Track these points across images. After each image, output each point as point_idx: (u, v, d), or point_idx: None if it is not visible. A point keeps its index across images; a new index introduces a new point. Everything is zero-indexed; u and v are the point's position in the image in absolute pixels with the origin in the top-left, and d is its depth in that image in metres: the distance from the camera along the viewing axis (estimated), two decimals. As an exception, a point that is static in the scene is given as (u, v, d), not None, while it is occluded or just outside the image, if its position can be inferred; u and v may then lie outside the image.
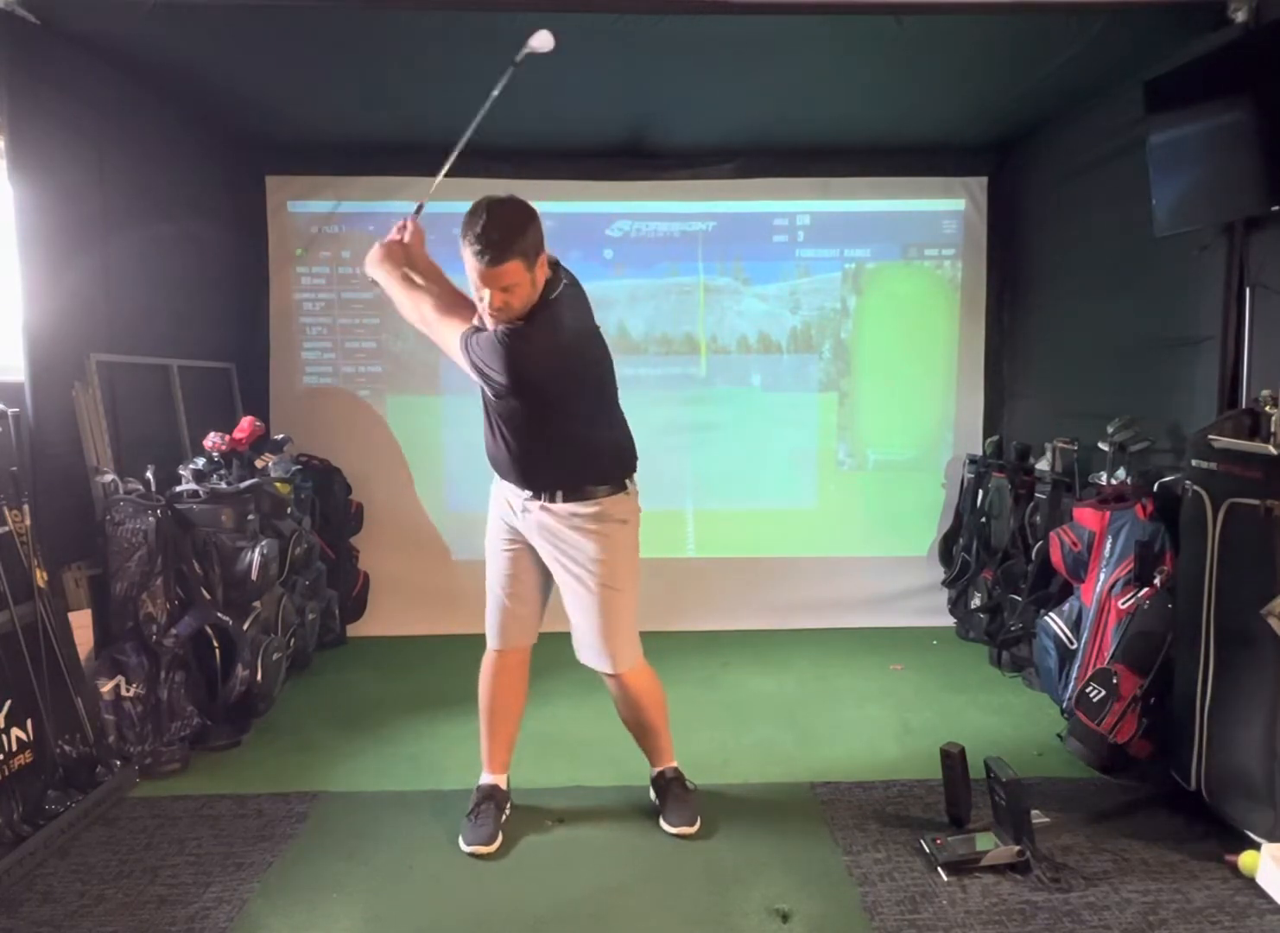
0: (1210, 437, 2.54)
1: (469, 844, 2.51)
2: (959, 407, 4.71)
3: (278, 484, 3.60)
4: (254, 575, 3.19)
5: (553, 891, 2.32)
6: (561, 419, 2.38)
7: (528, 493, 2.47)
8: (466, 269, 2.20)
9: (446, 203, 4.57)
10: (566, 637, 2.59)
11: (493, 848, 2.51)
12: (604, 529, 2.46)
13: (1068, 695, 3.07)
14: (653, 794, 2.72)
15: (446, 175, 4.49)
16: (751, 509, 4.64)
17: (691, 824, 2.57)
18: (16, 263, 2.88)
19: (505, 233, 2.12)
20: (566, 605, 2.54)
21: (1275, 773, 2.31)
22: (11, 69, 2.83)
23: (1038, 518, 3.70)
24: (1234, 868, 2.34)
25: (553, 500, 2.45)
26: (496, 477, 2.59)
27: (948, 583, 4.45)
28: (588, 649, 2.54)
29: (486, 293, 2.18)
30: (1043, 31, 3.02)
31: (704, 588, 4.30)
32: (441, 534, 4.62)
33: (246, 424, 3.55)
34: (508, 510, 2.55)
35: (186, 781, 2.93)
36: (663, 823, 2.60)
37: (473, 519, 4.60)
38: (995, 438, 4.42)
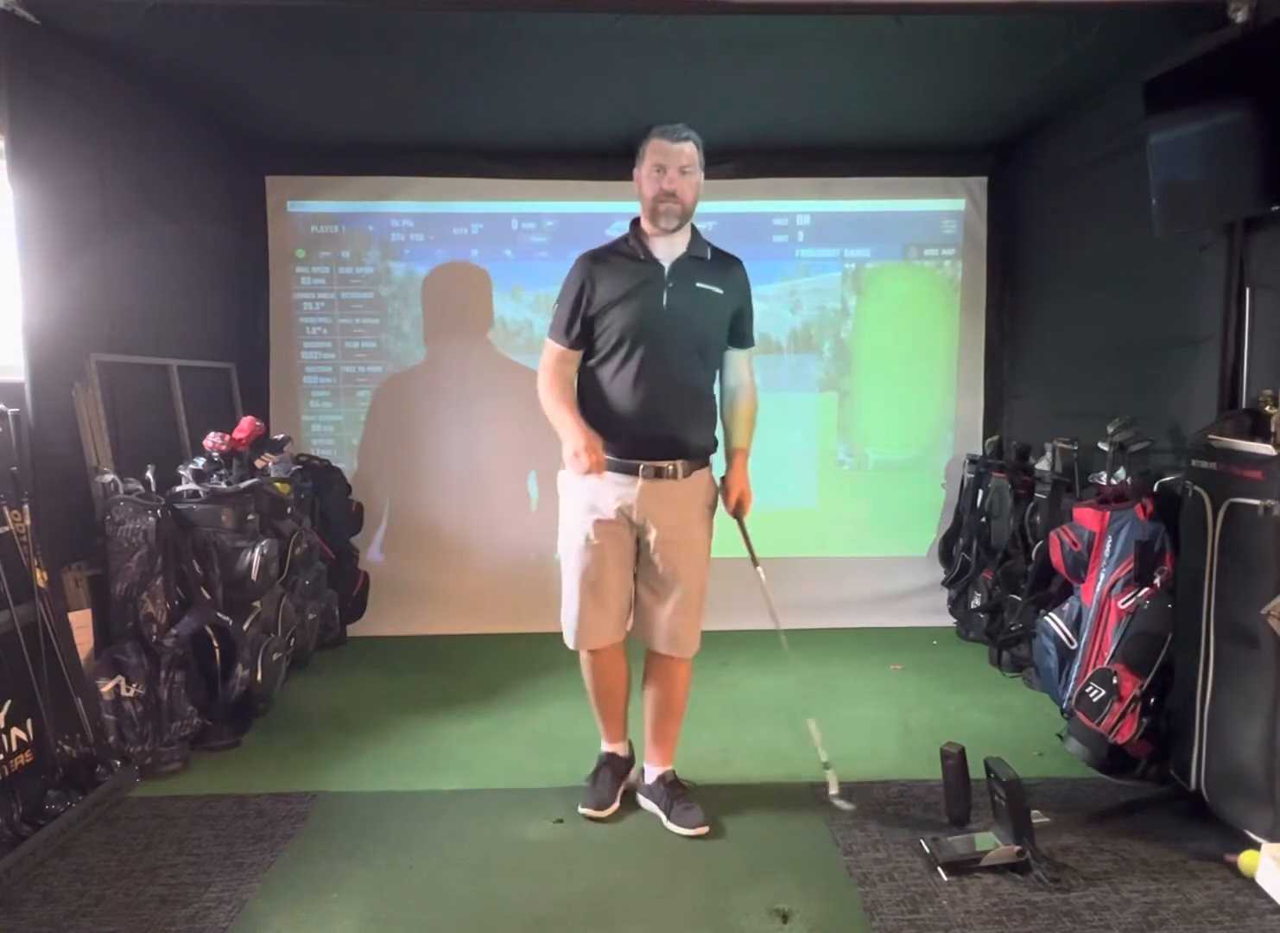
0: (1210, 437, 2.54)
1: (583, 806, 2.63)
2: (959, 407, 4.71)
3: (278, 484, 3.59)
4: (254, 575, 3.19)
5: (553, 891, 2.32)
6: None
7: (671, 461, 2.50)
8: (644, 172, 2.44)
9: (446, 203, 4.63)
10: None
11: (606, 812, 2.61)
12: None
13: (1068, 695, 3.07)
14: (648, 804, 2.71)
15: (447, 175, 4.54)
16: (751, 509, 4.63)
17: (704, 824, 2.56)
18: (16, 263, 2.88)
19: (687, 127, 2.46)
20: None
21: (1275, 773, 2.32)
22: (11, 69, 2.83)
23: (1038, 518, 3.70)
24: (1234, 868, 2.34)
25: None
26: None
27: (948, 583, 4.45)
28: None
29: (666, 172, 2.40)
30: (1043, 31, 3.02)
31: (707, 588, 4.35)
32: (443, 535, 4.62)
33: (246, 424, 3.54)
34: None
35: (186, 781, 2.93)
36: (672, 826, 2.59)
37: (472, 519, 4.65)
38: (995, 438, 4.42)
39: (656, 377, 2.44)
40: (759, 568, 2.62)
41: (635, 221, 2.53)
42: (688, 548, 2.53)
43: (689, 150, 2.43)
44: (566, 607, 2.58)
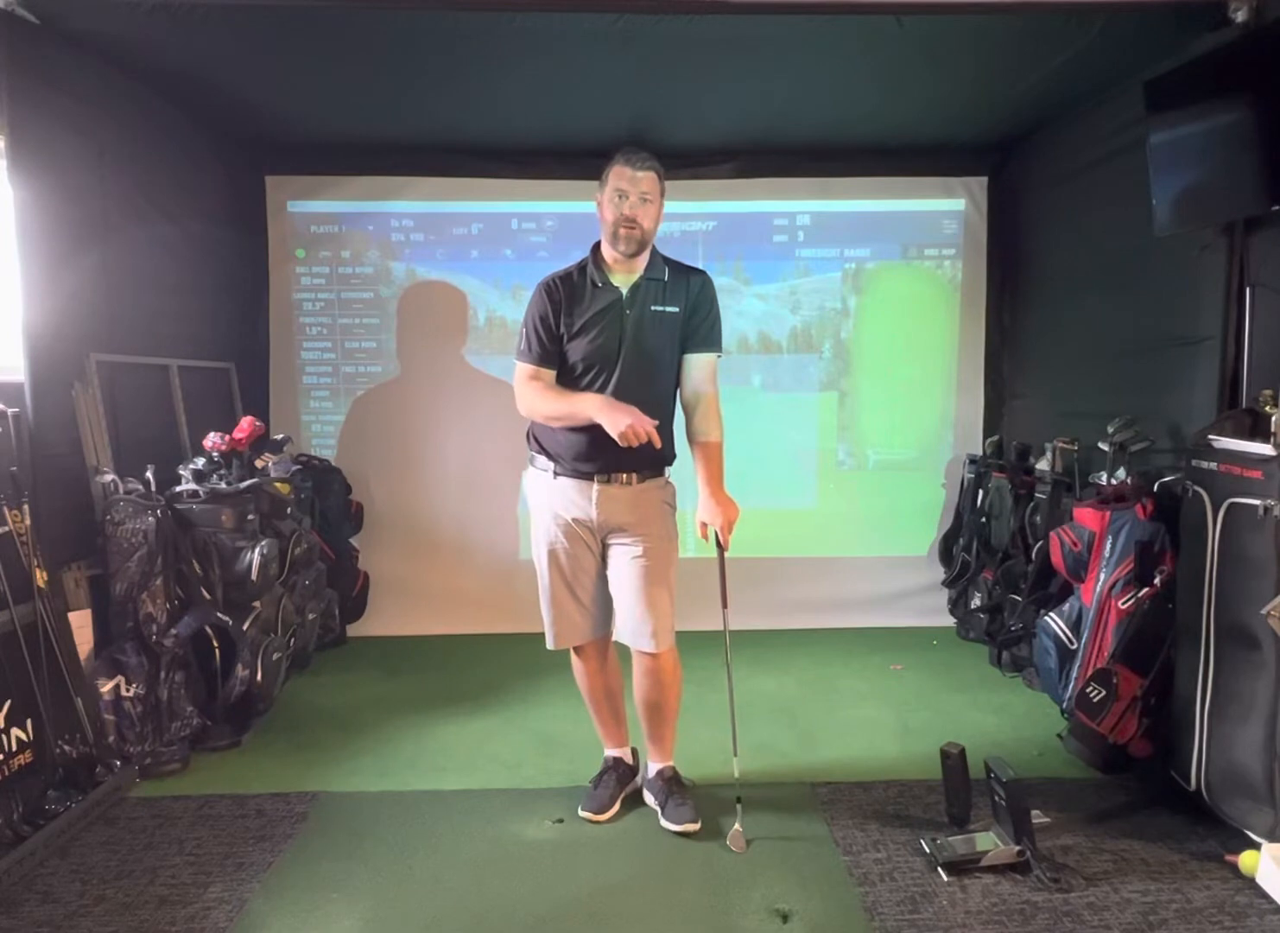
0: (1210, 437, 2.54)
1: (583, 810, 2.67)
2: (959, 407, 4.71)
3: (278, 484, 3.59)
4: (254, 575, 3.19)
5: (553, 891, 2.32)
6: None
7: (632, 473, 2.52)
8: (605, 196, 2.46)
9: (446, 203, 4.63)
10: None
11: (604, 816, 2.65)
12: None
13: (1068, 696, 3.07)
14: (649, 798, 2.73)
15: (447, 175, 4.55)
16: (751, 509, 4.58)
17: (695, 822, 2.58)
18: (16, 263, 2.88)
19: (650, 156, 2.48)
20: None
21: (1275, 773, 2.31)
22: (12, 69, 2.83)
23: (1038, 518, 3.70)
24: (1234, 868, 2.35)
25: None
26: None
27: (948, 583, 4.45)
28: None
29: (628, 198, 2.43)
30: (1043, 31, 3.01)
31: (703, 588, 4.34)
32: (442, 535, 4.62)
33: (246, 424, 3.54)
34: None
35: (186, 781, 2.94)
36: (665, 822, 2.61)
37: (471, 520, 4.65)
38: (995, 438, 4.42)
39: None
40: (727, 610, 2.65)
41: (596, 246, 2.56)
42: (648, 543, 2.54)
43: (651, 178, 2.45)
44: (543, 607, 2.65)
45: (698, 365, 2.58)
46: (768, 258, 4.62)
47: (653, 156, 2.47)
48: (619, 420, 2.32)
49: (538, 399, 2.50)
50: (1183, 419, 3.11)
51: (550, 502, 2.56)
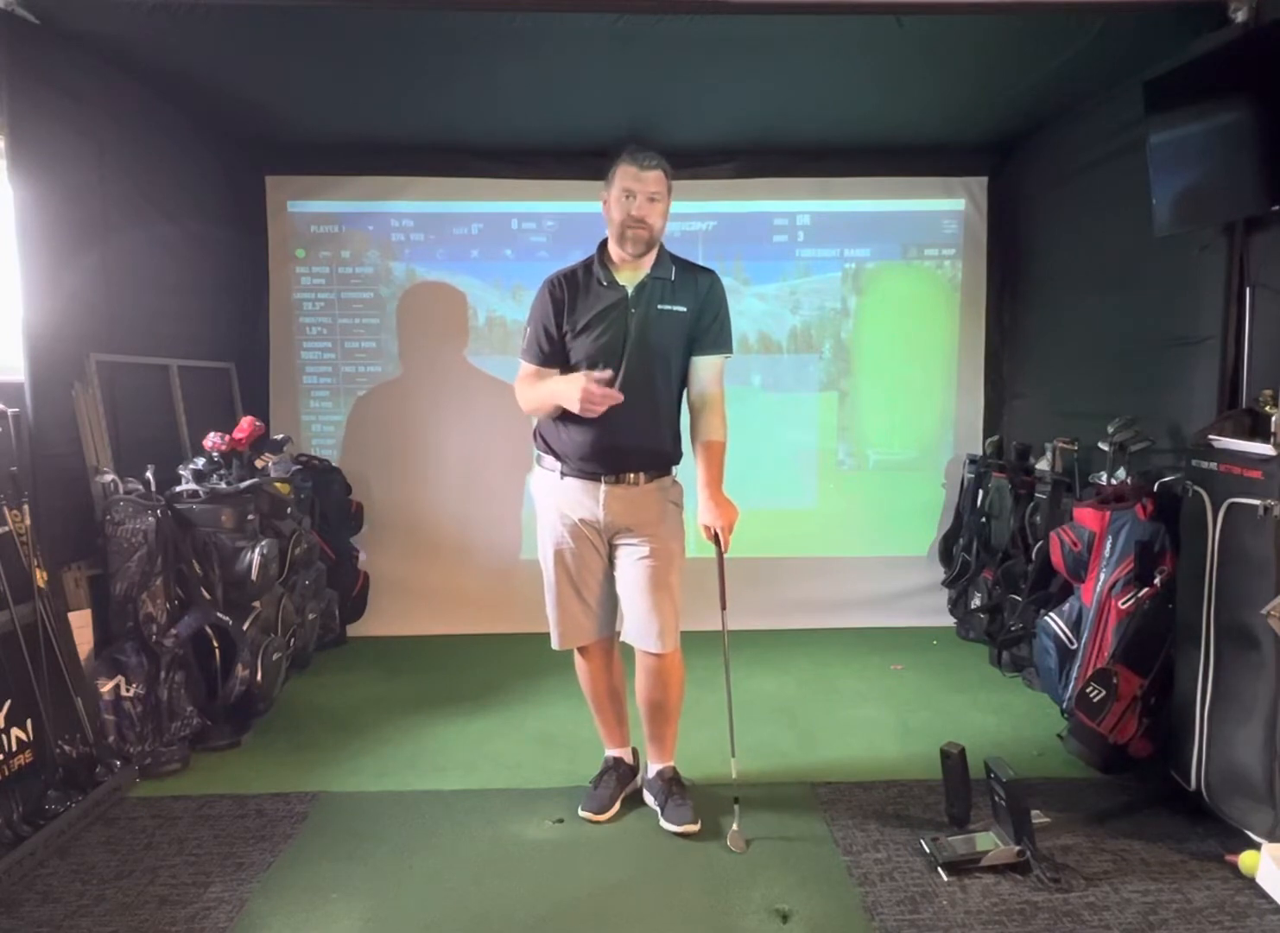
0: (1210, 437, 2.55)
1: (583, 810, 2.67)
2: (959, 407, 4.71)
3: (278, 484, 3.59)
4: (254, 575, 3.19)
5: (553, 891, 2.32)
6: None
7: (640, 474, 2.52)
8: (612, 196, 2.45)
9: (446, 203, 4.63)
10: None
11: (604, 817, 2.65)
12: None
13: (1068, 696, 3.07)
14: (649, 798, 2.73)
15: (447, 175, 4.55)
16: (751, 509, 4.58)
17: (694, 822, 2.58)
18: (16, 263, 2.88)
19: (657, 154, 2.46)
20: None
21: (1275, 773, 2.32)
22: (11, 69, 2.83)
23: (1038, 518, 3.70)
24: (1234, 868, 2.35)
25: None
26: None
27: (948, 583, 4.45)
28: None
29: (635, 198, 2.41)
30: (1043, 31, 3.02)
31: (703, 588, 4.34)
32: (443, 535, 4.62)
33: (246, 424, 3.54)
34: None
35: (186, 781, 2.94)
36: (664, 822, 2.61)
37: (472, 520, 4.65)
38: (995, 438, 4.43)
39: (621, 402, 2.44)
40: (725, 611, 2.64)
41: (603, 244, 2.55)
42: (655, 544, 2.53)
43: (658, 177, 2.43)
44: (548, 607, 2.65)
45: (706, 367, 2.56)
46: (768, 258, 4.62)
47: (659, 155, 2.45)
48: (570, 396, 2.34)
49: (524, 391, 2.53)
50: (1183, 419, 3.11)
51: (557, 502, 2.56)
